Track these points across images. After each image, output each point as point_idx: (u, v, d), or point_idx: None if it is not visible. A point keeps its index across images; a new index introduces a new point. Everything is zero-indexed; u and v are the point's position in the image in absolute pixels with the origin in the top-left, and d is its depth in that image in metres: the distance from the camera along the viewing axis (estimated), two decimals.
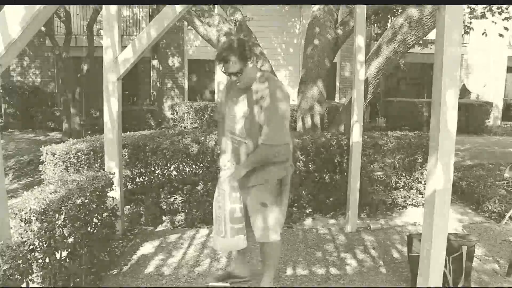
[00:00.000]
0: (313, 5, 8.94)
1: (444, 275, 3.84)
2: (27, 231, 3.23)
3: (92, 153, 5.87)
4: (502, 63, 20.81)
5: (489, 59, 20.55)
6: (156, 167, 5.96)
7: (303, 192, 6.13)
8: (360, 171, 5.64)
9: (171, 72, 19.39)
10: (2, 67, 2.91)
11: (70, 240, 3.71)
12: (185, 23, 13.73)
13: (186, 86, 19.48)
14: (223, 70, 3.41)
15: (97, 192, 4.20)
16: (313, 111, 8.29)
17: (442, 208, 3.07)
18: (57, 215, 3.44)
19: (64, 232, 3.58)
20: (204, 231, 5.67)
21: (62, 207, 3.52)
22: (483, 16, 10.40)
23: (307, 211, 6.25)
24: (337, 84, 20.00)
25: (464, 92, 20.31)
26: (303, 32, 12.23)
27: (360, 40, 5.37)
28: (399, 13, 10.17)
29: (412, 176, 6.63)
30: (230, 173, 3.48)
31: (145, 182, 6.03)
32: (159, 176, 5.98)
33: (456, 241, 3.97)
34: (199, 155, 5.80)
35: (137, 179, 6.04)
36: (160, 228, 5.82)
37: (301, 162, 6.06)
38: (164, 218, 5.95)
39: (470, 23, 11.44)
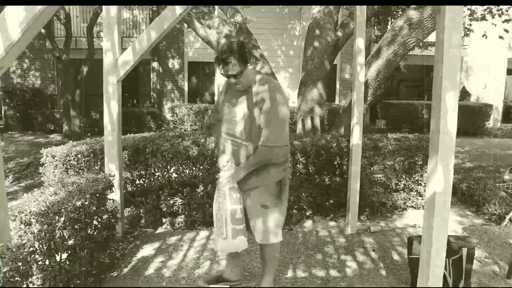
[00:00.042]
0: (313, 7, 8.95)
1: (444, 277, 3.84)
2: (27, 233, 3.23)
3: (92, 155, 5.87)
4: (502, 65, 20.81)
5: (489, 61, 20.55)
6: (156, 169, 5.96)
7: (303, 194, 6.13)
8: (360, 173, 5.64)
9: (171, 74, 19.40)
10: (2, 69, 2.91)
11: (70, 242, 3.71)
12: (185, 25, 13.72)
13: (186, 88, 19.49)
14: (222, 72, 3.40)
15: (97, 194, 4.20)
16: (313, 113, 8.30)
17: (442, 210, 3.06)
18: (57, 217, 3.44)
19: (64, 234, 3.58)
20: (204, 233, 5.67)
21: (62, 209, 3.52)
22: (483, 18, 10.39)
23: (307, 213, 6.25)
24: (337, 86, 20.01)
25: (464, 94, 20.32)
26: (303, 34, 12.24)
27: (360, 42, 5.37)
28: (399, 15, 10.18)
29: (412, 178, 6.63)
30: (229, 174, 3.47)
31: (145, 184, 6.03)
32: (159, 178, 5.98)
33: (456, 243, 3.97)
34: (199, 157, 5.80)
35: (137, 181, 6.04)
36: (160, 230, 5.81)
37: (301, 164, 6.06)
38: (164, 220, 5.94)
39: (470, 25, 11.43)
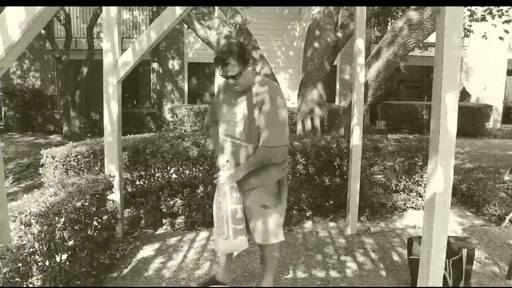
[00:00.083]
0: (313, 8, 8.95)
1: (444, 278, 3.84)
2: (27, 234, 3.23)
3: (92, 156, 5.87)
4: (502, 66, 20.81)
5: (489, 62, 20.55)
6: (156, 170, 5.96)
7: (303, 195, 6.13)
8: (360, 174, 5.64)
9: (171, 75, 19.40)
10: (2, 70, 2.91)
11: (70, 243, 3.71)
12: (185, 26, 13.73)
13: (186, 89, 19.49)
14: (222, 74, 3.40)
15: (97, 195, 4.20)
16: (313, 114, 8.30)
17: (442, 211, 3.07)
18: (57, 218, 3.44)
19: (64, 235, 3.58)
20: (204, 234, 5.67)
21: (62, 210, 3.52)
22: (483, 19, 10.40)
23: (307, 214, 6.25)
24: (337, 87, 20.01)
25: (464, 95, 20.33)
26: (303, 35, 12.25)
27: (360, 43, 5.38)
28: (399, 16, 10.19)
29: (412, 179, 6.63)
30: (229, 174, 3.47)
31: (145, 185, 6.04)
32: (159, 179, 5.98)
33: (456, 244, 3.97)
34: (199, 158, 5.80)
35: (137, 182, 6.05)
36: (160, 231, 5.81)
37: (301, 165, 6.06)
38: (164, 221, 5.94)
39: (470, 26, 11.45)
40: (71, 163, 5.80)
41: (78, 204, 3.75)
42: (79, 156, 5.81)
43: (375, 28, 16.22)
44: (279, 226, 3.67)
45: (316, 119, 8.32)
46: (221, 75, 3.42)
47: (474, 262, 4.18)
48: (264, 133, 3.34)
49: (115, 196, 4.94)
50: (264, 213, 3.58)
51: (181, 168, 5.94)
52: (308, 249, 5.23)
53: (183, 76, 19.42)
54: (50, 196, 3.70)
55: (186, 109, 17.00)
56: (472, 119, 18.02)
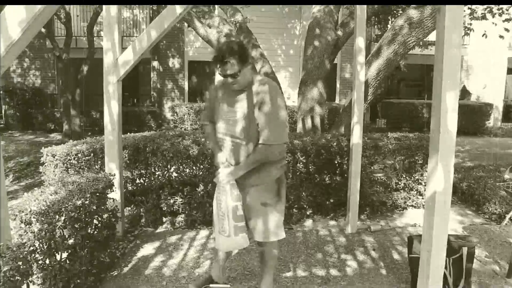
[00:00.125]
0: (313, 7, 8.95)
1: (444, 276, 3.84)
2: (27, 233, 3.23)
3: (92, 154, 5.88)
4: (502, 64, 20.81)
5: (489, 60, 20.55)
6: (156, 169, 5.96)
7: (303, 193, 6.13)
8: (361, 173, 5.64)
9: (172, 73, 19.40)
10: (3, 69, 2.91)
11: (71, 241, 3.71)
12: (185, 24, 13.75)
13: (186, 88, 19.49)
14: (221, 72, 3.40)
15: (97, 194, 4.20)
16: (313, 112, 8.30)
17: (442, 209, 3.07)
18: (57, 217, 3.45)
19: (65, 234, 3.58)
20: (204, 232, 5.67)
21: (63, 209, 3.52)
22: (483, 17, 10.38)
23: (308, 213, 6.25)
24: (337, 85, 20.02)
25: (464, 93, 20.33)
26: (303, 33, 12.25)
27: (360, 42, 5.37)
28: (399, 14, 10.18)
29: (412, 177, 6.63)
30: (229, 171, 3.46)
31: (145, 184, 6.04)
32: (160, 177, 5.98)
33: (456, 243, 3.97)
34: (199, 157, 5.80)
35: (138, 181, 6.05)
36: (160, 229, 5.82)
37: (301, 163, 6.06)
38: (164, 219, 5.94)
39: (471, 24, 11.43)
40: (71, 161, 5.80)
41: (79, 202, 3.76)
42: (79, 155, 5.82)
43: (376, 26, 16.21)
44: (279, 223, 3.68)
45: (317, 117, 8.32)
46: (220, 74, 3.41)
47: (475, 260, 4.18)
48: (264, 132, 3.34)
49: (115, 194, 4.94)
50: (265, 211, 3.58)
51: (181, 167, 5.94)
52: (308, 247, 5.24)
53: (183, 75, 19.42)
54: (51, 195, 3.71)
55: (187, 107, 17.01)
56: (472, 117, 18.03)
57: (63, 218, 3.49)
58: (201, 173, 5.91)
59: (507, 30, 10.29)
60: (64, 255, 3.68)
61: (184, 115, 16.90)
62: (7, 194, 3.33)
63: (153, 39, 4.94)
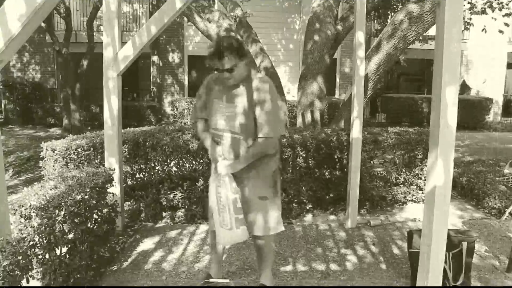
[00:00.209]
0: (313, 1, 8.94)
1: (444, 271, 3.84)
2: (27, 227, 3.23)
3: (92, 149, 5.88)
4: (502, 59, 20.79)
5: (489, 55, 20.53)
6: (156, 163, 5.96)
7: (303, 188, 6.13)
8: (360, 167, 5.64)
9: (171, 68, 19.38)
10: (2, 63, 2.91)
11: (70, 236, 3.72)
12: (185, 19, 13.72)
13: (186, 82, 19.47)
14: (217, 67, 3.39)
15: (97, 188, 4.20)
16: (313, 107, 8.30)
17: (442, 204, 3.07)
18: (57, 211, 3.45)
19: (64, 228, 3.59)
20: (204, 227, 5.68)
21: (62, 203, 3.52)
22: (483, 12, 10.37)
23: (307, 207, 6.25)
24: (337, 80, 20.01)
25: (464, 88, 20.32)
26: (303, 28, 12.22)
27: (360, 36, 5.37)
28: (399, 9, 10.16)
29: (412, 172, 6.64)
30: (228, 164, 3.47)
31: (145, 178, 6.04)
32: (159, 172, 5.98)
33: (456, 237, 3.97)
34: (199, 151, 5.80)
35: (137, 175, 6.05)
36: (160, 224, 5.82)
37: (301, 158, 6.06)
38: (164, 214, 5.94)
39: (470, 19, 11.42)
40: (71, 156, 5.80)
41: (78, 197, 3.76)
42: (79, 149, 5.81)
43: (375, 21, 16.19)
44: (278, 217, 3.70)
45: (316, 112, 8.31)
46: (216, 69, 3.42)
47: (474, 255, 4.18)
48: (263, 125, 3.36)
49: (115, 189, 4.94)
50: (263, 204, 3.60)
51: (181, 161, 5.95)
52: (308, 242, 5.24)
53: (183, 69, 19.41)
54: (50, 189, 3.70)
55: (186, 102, 17.01)
56: (472, 112, 18.03)
57: (62, 212, 3.49)
58: (200, 167, 5.91)
59: (507, 24, 10.28)
60: (64, 249, 3.68)
61: (184, 110, 16.90)
62: (7, 188, 3.33)
63: (153, 33, 4.93)
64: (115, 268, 4.50)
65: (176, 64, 19.34)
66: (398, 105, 18.87)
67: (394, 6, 11.57)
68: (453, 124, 2.97)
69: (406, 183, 6.69)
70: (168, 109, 19.09)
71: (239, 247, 4.97)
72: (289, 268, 4.54)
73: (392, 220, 6.06)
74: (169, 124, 15.74)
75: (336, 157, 6.20)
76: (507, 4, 10.27)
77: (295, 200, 6.15)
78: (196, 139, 5.89)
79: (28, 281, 3.07)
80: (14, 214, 3.29)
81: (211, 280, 4.04)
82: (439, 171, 3.02)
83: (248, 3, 11.87)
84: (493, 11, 10.15)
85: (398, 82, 22.26)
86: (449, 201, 3.11)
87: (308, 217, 6.14)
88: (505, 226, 5.79)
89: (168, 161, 5.94)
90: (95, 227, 4.27)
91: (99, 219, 4.35)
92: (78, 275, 3.80)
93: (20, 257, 2.92)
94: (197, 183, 5.81)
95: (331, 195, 6.30)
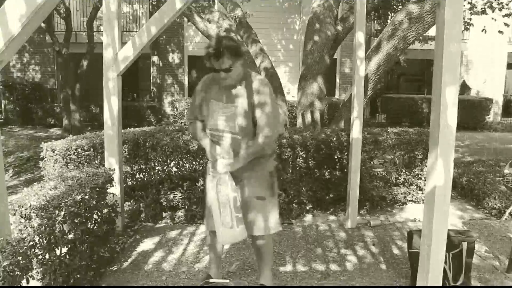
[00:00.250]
0: (313, 1, 8.94)
1: (444, 271, 3.84)
2: (27, 228, 3.23)
3: (92, 149, 5.88)
4: (502, 59, 20.78)
5: (489, 55, 20.52)
6: (156, 164, 5.96)
7: (303, 188, 6.13)
8: (360, 167, 5.64)
9: (171, 68, 19.38)
10: (2, 63, 2.91)
11: (70, 236, 3.72)
12: (185, 19, 13.72)
13: (186, 82, 19.46)
14: (215, 67, 3.39)
15: (97, 189, 4.20)
16: (313, 107, 8.30)
17: (442, 204, 3.07)
18: (57, 212, 3.45)
19: (64, 229, 3.58)
20: (204, 227, 5.66)
21: (62, 204, 3.52)
22: (483, 12, 10.37)
23: (307, 207, 6.25)
24: (337, 80, 20.00)
25: (464, 88, 20.32)
26: (303, 28, 12.22)
27: (360, 36, 5.37)
28: (399, 9, 10.16)
29: (412, 172, 6.64)
30: (228, 162, 3.47)
31: (145, 179, 6.04)
32: (159, 172, 5.98)
33: (456, 237, 3.98)
34: (199, 152, 5.80)
35: (137, 175, 6.05)
36: (160, 224, 5.82)
37: (301, 158, 6.06)
38: (164, 214, 5.94)
39: (470, 19, 11.42)
40: (71, 156, 5.80)
41: (78, 197, 3.76)
42: (79, 150, 5.82)
43: (375, 21, 16.17)
44: (276, 216, 3.72)
45: (316, 112, 8.31)
46: (214, 70, 3.41)
47: (474, 255, 4.18)
48: (262, 124, 3.39)
49: (115, 189, 4.94)
50: (262, 204, 3.61)
51: (181, 162, 5.95)
52: (308, 242, 5.24)
53: (183, 70, 19.40)
54: (50, 190, 3.71)
55: (186, 102, 17.00)
56: (472, 112, 18.02)
57: (62, 213, 3.49)
58: (200, 168, 5.91)
59: (507, 25, 10.27)
60: (64, 250, 3.68)
61: (184, 110, 16.88)
62: (6, 189, 3.33)
63: (152, 34, 4.94)
64: (115, 268, 4.50)
65: (176, 65, 19.34)
66: (398, 105, 18.87)
67: (394, 7, 11.58)
68: (453, 124, 2.97)
69: (406, 184, 6.69)
70: (168, 110, 19.09)
71: (239, 247, 4.98)
72: (289, 268, 4.54)
73: (392, 220, 6.06)
74: (169, 124, 15.76)
75: (336, 157, 6.20)
76: (507, 4, 10.27)
77: (295, 201, 6.15)
78: (195, 139, 5.90)
79: (28, 282, 3.07)
80: (14, 214, 3.29)
81: (211, 280, 4.04)
82: (439, 171, 3.02)
83: (248, 3, 11.86)
84: (493, 11, 10.14)
85: (398, 82, 22.26)
86: (449, 201, 3.11)
87: (308, 218, 6.14)
88: (505, 227, 5.79)
89: (168, 161, 5.94)
90: (95, 227, 4.27)
91: (99, 220, 4.35)
92: (78, 276, 3.80)
93: (20, 258, 2.92)
94: (197, 184, 5.81)
95: (331, 196, 6.30)
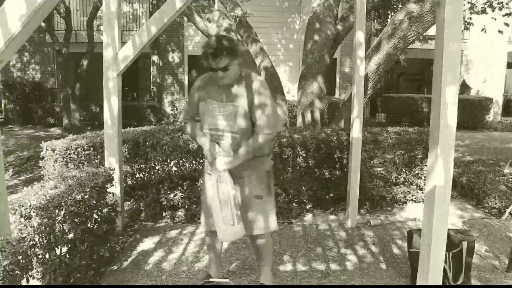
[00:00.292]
0: (313, 1, 8.94)
1: (444, 270, 3.84)
2: (27, 227, 3.23)
3: (92, 149, 5.88)
4: (502, 58, 20.77)
5: (489, 54, 20.51)
6: (156, 163, 5.96)
7: (303, 187, 6.13)
8: (360, 167, 5.64)
9: (171, 67, 19.38)
10: (2, 63, 2.91)
11: (70, 235, 3.72)
12: (185, 18, 13.73)
13: (186, 82, 19.46)
14: (212, 66, 3.38)
15: (97, 188, 4.20)
16: (313, 106, 8.30)
17: (442, 203, 3.07)
18: (57, 211, 3.45)
19: (64, 228, 3.59)
20: (202, 227, 5.66)
21: (62, 203, 3.52)
22: (483, 11, 10.36)
23: (307, 207, 6.25)
24: (337, 79, 20.00)
25: (464, 87, 20.31)
26: (303, 27, 12.23)
27: (360, 36, 5.36)
28: (399, 8, 10.16)
29: (412, 171, 6.63)
30: (227, 160, 3.46)
31: (145, 178, 6.04)
32: (159, 172, 5.98)
33: (456, 237, 3.98)
34: (199, 151, 5.79)
35: (137, 175, 6.05)
36: (160, 223, 5.82)
37: (301, 157, 6.06)
38: (164, 213, 5.94)
39: (470, 18, 11.41)
40: (71, 156, 5.80)
41: (78, 197, 3.76)
42: (79, 149, 5.81)
43: (375, 21, 16.18)
44: (274, 215, 3.75)
45: (316, 112, 8.31)
46: (210, 68, 3.41)
47: (474, 255, 4.18)
48: (262, 124, 3.39)
49: (115, 189, 4.94)
50: (261, 203, 3.63)
51: (181, 161, 5.95)
52: (308, 242, 5.24)
53: (183, 69, 19.41)
54: (50, 189, 3.71)
55: (186, 101, 16.96)
56: (472, 112, 18.01)
57: (62, 212, 3.49)
58: (200, 167, 5.91)
59: (507, 24, 10.27)
60: (64, 249, 3.68)
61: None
62: (6, 188, 3.33)
63: (153, 33, 4.93)
64: (115, 267, 4.50)
65: (176, 64, 19.34)
66: (398, 104, 18.87)
67: (394, 6, 11.57)
68: (453, 124, 2.97)
69: (406, 183, 6.68)
70: (168, 109, 19.10)
71: (238, 246, 4.99)
72: (289, 267, 4.54)
73: (392, 219, 6.06)
74: (169, 123, 15.76)
75: (336, 156, 6.20)
76: (507, 4, 10.26)
77: (295, 200, 6.15)
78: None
79: (28, 281, 3.08)
80: (14, 213, 3.29)
81: (211, 280, 4.04)
82: (439, 171, 3.02)
83: (248, 3, 11.87)
84: (493, 10, 10.13)
85: (398, 81, 22.26)
86: (449, 201, 3.11)
87: (308, 217, 6.14)
88: (505, 226, 5.79)
89: (168, 160, 5.94)
90: (95, 226, 4.27)
91: (99, 219, 4.35)
92: (78, 275, 3.80)
93: (20, 257, 2.92)
94: (197, 183, 5.81)
95: (331, 195, 6.30)
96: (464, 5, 10.05)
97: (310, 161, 6.10)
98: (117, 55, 5.00)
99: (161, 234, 5.43)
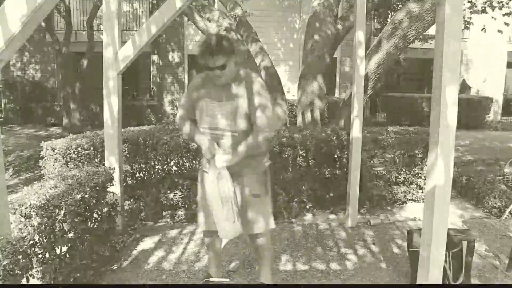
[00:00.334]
0: (313, 0, 8.94)
1: (444, 270, 3.84)
2: (27, 226, 3.23)
3: (92, 148, 5.87)
4: (502, 58, 20.77)
5: (489, 54, 20.50)
6: (156, 162, 5.96)
7: (303, 187, 6.13)
8: (360, 166, 5.64)
9: (171, 67, 19.37)
10: (3, 62, 2.91)
11: (70, 235, 3.72)
12: (185, 18, 13.73)
13: (186, 81, 19.44)
14: (209, 65, 3.37)
15: (97, 187, 4.20)
16: (313, 106, 8.29)
17: (442, 203, 3.07)
18: (57, 210, 3.45)
19: (64, 227, 3.59)
20: (200, 228, 5.66)
21: (62, 202, 3.52)
22: (483, 10, 10.36)
23: (307, 206, 6.25)
24: (337, 79, 19.99)
25: (464, 87, 20.30)
26: (303, 27, 12.22)
27: (360, 35, 5.36)
28: (399, 8, 10.16)
29: (412, 171, 6.63)
30: (227, 158, 3.46)
31: (145, 177, 6.04)
32: (159, 171, 5.98)
33: (456, 236, 3.97)
34: (199, 150, 5.79)
35: (137, 174, 6.05)
36: (160, 223, 5.82)
37: (301, 157, 6.06)
38: (164, 213, 5.94)
39: (470, 18, 11.41)
40: (71, 155, 5.80)
41: (78, 196, 3.76)
42: (79, 149, 5.81)
43: (375, 20, 16.14)
44: (271, 213, 3.78)
45: (316, 111, 8.31)
46: (209, 68, 3.40)
47: (474, 254, 4.17)
48: (262, 124, 3.39)
49: (115, 188, 4.93)
50: (259, 202, 3.64)
51: (181, 161, 5.95)
52: (308, 241, 5.24)
53: (183, 68, 19.40)
54: (50, 189, 3.70)
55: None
56: (472, 111, 18.02)
57: (62, 212, 3.49)
58: (200, 167, 5.90)
59: (506, 24, 10.27)
60: (64, 249, 3.68)
61: None
62: (6, 187, 3.33)
63: (152, 33, 4.93)
64: (115, 267, 4.50)
65: (176, 63, 19.34)
66: (398, 104, 18.86)
67: (394, 5, 11.56)
68: (453, 123, 2.97)
69: (406, 182, 6.68)
70: (168, 108, 19.09)
71: (238, 246, 4.98)
72: (289, 267, 4.54)
73: (392, 219, 6.06)
74: (169, 123, 15.74)
75: (336, 156, 6.20)
76: (507, 3, 10.25)
77: (295, 199, 6.15)
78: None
79: (28, 280, 3.08)
80: (14, 213, 3.29)
81: (211, 279, 4.04)
82: (439, 170, 3.02)
83: (248, 2, 11.86)
84: (493, 10, 10.13)
85: (398, 81, 22.24)
86: (449, 200, 3.11)
87: (308, 216, 6.14)
88: (505, 226, 5.79)
89: (168, 160, 5.94)
90: (95, 226, 4.27)
91: (99, 218, 4.35)
92: (78, 274, 3.80)
93: (20, 256, 2.92)
94: (197, 182, 5.79)
95: (331, 194, 6.30)
96: (464, 4, 10.04)
97: (310, 161, 6.10)
98: (117, 54, 5.00)
99: (161, 233, 5.44)
